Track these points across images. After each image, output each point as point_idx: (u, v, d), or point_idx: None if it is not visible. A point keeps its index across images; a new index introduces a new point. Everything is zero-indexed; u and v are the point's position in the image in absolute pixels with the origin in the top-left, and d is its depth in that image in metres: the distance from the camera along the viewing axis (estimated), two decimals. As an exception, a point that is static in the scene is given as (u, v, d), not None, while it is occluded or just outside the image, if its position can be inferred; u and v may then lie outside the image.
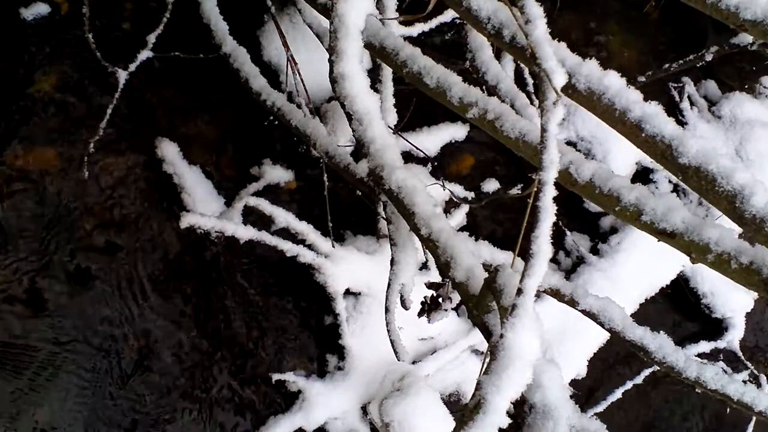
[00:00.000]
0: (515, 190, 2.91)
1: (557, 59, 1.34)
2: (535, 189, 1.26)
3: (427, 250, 1.73)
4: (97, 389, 2.43)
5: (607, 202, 1.53)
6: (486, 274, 1.50)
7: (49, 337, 2.41)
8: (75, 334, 2.44)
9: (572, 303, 1.77)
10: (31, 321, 2.40)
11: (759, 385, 3.06)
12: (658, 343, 1.72)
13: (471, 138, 2.98)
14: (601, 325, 1.76)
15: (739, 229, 1.35)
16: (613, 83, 1.45)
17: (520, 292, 1.21)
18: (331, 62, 1.78)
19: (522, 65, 2.93)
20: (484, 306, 1.45)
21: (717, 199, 1.32)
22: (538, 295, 1.30)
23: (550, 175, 1.26)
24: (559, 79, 1.30)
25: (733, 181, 1.30)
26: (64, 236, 2.48)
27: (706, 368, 1.69)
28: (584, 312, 1.76)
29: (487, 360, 1.22)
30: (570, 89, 1.49)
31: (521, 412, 1.29)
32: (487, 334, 1.43)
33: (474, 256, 1.59)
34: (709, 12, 1.49)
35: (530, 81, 2.99)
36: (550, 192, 1.25)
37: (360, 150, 1.79)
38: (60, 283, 2.45)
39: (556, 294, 1.78)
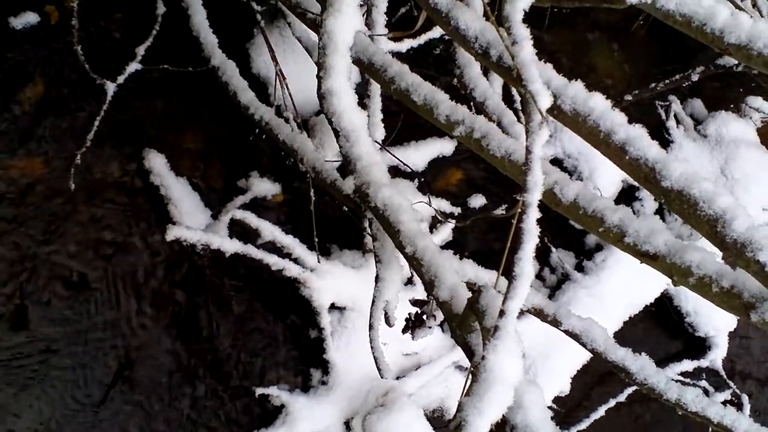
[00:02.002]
0: (500, 211, 2.92)
1: (543, 80, 1.34)
2: (519, 210, 1.27)
3: (411, 268, 1.73)
4: (78, 401, 2.42)
5: (591, 223, 1.54)
6: (469, 294, 1.50)
7: (30, 348, 2.40)
8: (55, 346, 2.42)
9: (555, 323, 1.78)
10: (11, 332, 2.39)
11: (741, 405, 3.07)
12: (640, 365, 1.73)
13: (458, 153, 2.99)
14: (584, 345, 1.76)
15: (720, 253, 1.36)
16: (598, 105, 1.46)
17: (502, 313, 1.21)
18: (319, 78, 1.79)
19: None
20: (467, 326, 1.46)
21: (699, 223, 1.33)
22: (521, 315, 1.31)
23: (534, 197, 1.27)
24: (545, 101, 1.31)
25: (714, 206, 1.31)
26: (48, 247, 2.47)
27: (686, 390, 1.70)
28: (567, 332, 1.77)
29: (469, 381, 1.22)
30: (555, 110, 1.50)
31: (502, 432, 1.29)
32: (470, 354, 1.44)
33: (458, 275, 1.59)
34: (694, 35, 1.50)
35: (518, 98, 3.00)
36: (533, 214, 1.26)
37: (346, 166, 1.80)
38: (42, 294, 2.44)
39: (539, 314, 1.79)
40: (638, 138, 1.41)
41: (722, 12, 1.45)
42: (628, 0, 1.34)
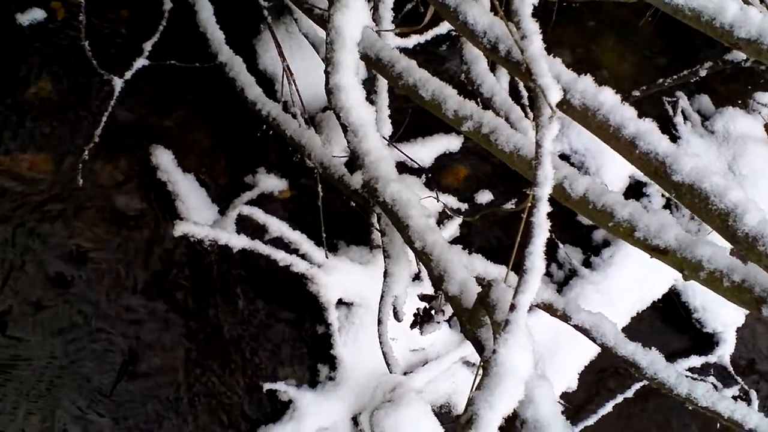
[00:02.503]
0: (509, 205, 2.91)
1: (552, 75, 1.34)
2: (529, 204, 1.27)
3: (420, 263, 1.73)
4: (85, 397, 2.42)
5: (601, 218, 1.53)
6: (479, 289, 1.50)
7: (37, 343, 2.40)
8: (62, 342, 2.43)
9: (565, 318, 1.78)
10: (18, 327, 2.39)
11: (749, 400, 3.06)
12: (650, 360, 1.73)
13: (465, 149, 2.99)
14: (593, 340, 1.76)
15: (731, 247, 1.36)
16: (608, 99, 1.46)
17: (513, 308, 1.21)
18: (327, 74, 1.79)
19: (517, 78, 2.94)
20: (477, 320, 1.45)
21: (710, 216, 1.33)
22: (530, 309, 1.31)
23: (544, 191, 1.27)
24: (554, 96, 1.31)
25: (726, 200, 1.31)
26: (56, 241, 2.47)
27: (697, 385, 1.70)
28: (577, 327, 1.76)
29: (480, 375, 1.22)
30: (565, 105, 1.50)
31: (513, 427, 1.29)
32: (480, 348, 1.44)
33: (467, 269, 1.59)
34: (704, 29, 1.50)
35: (525, 94, 3.00)
36: (544, 208, 1.26)
37: (355, 162, 1.80)
38: (49, 289, 2.44)
39: (548, 308, 1.79)
40: (648, 132, 1.41)
41: (732, 6, 1.44)
42: (638, -6, 1.34)
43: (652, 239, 1.44)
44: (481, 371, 1.26)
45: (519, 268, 1.26)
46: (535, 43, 1.36)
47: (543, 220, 1.25)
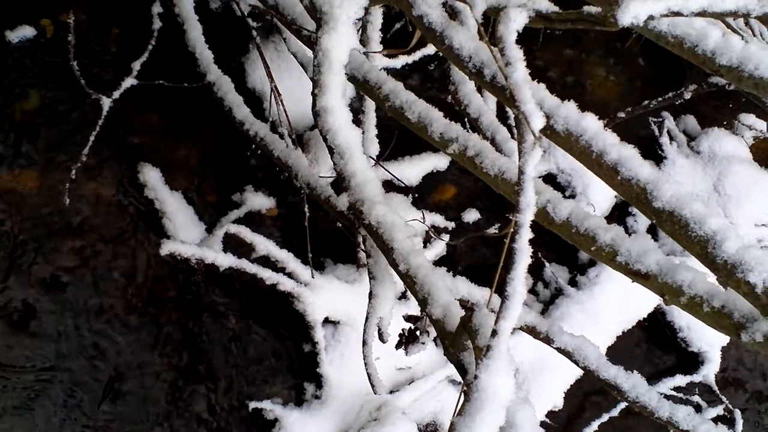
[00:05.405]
0: (493, 230, 2.92)
1: (536, 101, 1.36)
2: (512, 230, 1.28)
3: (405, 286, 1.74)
4: (69, 415, 2.41)
5: (583, 242, 1.55)
6: (462, 312, 1.51)
7: (21, 360, 2.40)
8: (46, 359, 2.42)
9: (548, 340, 1.79)
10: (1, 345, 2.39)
11: (733, 420, 3.07)
12: (632, 383, 1.74)
13: (453, 168, 3.00)
14: (576, 363, 1.77)
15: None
16: (591, 126, 1.48)
17: (494, 333, 1.22)
18: (314, 95, 1.80)
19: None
20: (460, 344, 1.46)
21: (690, 243, 1.34)
22: (513, 331, 1.32)
23: (526, 217, 1.28)
24: (537, 123, 1.32)
25: (705, 227, 1.32)
26: (41, 259, 2.47)
27: (678, 408, 1.70)
28: (559, 350, 1.77)
29: (462, 401, 1.23)
30: (548, 130, 1.51)
31: (494, 451, 1.30)
32: (463, 372, 1.44)
33: (451, 292, 1.60)
34: (686, 56, 1.52)
35: (512, 114, 3.01)
36: (526, 234, 1.27)
37: (341, 183, 1.81)
38: (33, 307, 2.44)
39: (531, 331, 1.80)
40: (630, 158, 1.43)
41: (714, 33, 1.46)
42: (620, 23, 1.35)
43: (633, 264, 1.45)
44: (463, 396, 1.27)
45: (501, 293, 1.27)
46: (519, 70, 1.37)
47: (525, 246, 1.26)
